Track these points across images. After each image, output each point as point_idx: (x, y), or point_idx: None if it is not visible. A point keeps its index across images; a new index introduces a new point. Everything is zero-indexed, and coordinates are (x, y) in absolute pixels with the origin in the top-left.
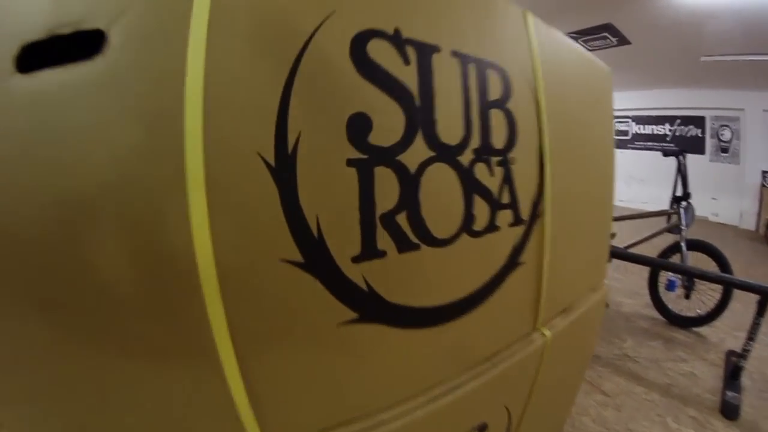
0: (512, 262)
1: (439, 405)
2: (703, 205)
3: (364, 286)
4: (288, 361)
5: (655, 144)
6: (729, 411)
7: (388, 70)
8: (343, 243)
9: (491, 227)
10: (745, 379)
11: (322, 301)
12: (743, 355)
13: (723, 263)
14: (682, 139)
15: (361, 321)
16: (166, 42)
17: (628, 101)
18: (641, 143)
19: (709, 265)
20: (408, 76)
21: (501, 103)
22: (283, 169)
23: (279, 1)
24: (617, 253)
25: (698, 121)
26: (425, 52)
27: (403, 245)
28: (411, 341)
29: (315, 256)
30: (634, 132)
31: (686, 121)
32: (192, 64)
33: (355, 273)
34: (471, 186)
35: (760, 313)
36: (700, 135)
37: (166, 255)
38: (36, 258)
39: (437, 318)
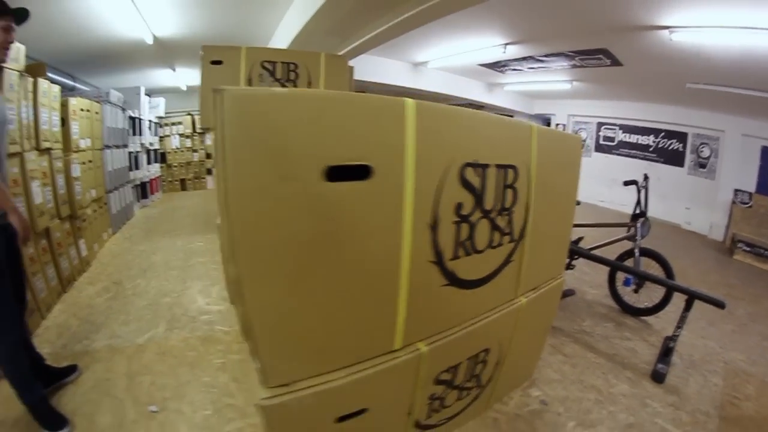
0: (507, 260)
1: (471, 329)
2: (677, 213)
3: (452, 270)
4: (424, 301)
5: (639, 152)
6: (657, 376)
7: (471, 181)
8: (447, 254)
9: (499, 244)
10: (675, 359)
11: (438, 276)
12: (673, 338)
13: (667, 269)
14: (664, 151)
15: (448, 285)
16: (397, 176)
17: (616, 110)
18: (626, 150)
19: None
20: (477, 182)
21: (512, 185)
22: (434, 231)
23: (434, 160)
24: (584, 254)
25: (680, 136)
26: (485, 168)
27: (467, 253)
28: (465, 295)
29: (438, 259)
30: (620, 139)
31: (669, 135)
32: (407, 185)
33: (449, 265)
34: (494, 227)
35: (686, 309)
36: (681, 149)
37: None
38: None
39: (475, 285)
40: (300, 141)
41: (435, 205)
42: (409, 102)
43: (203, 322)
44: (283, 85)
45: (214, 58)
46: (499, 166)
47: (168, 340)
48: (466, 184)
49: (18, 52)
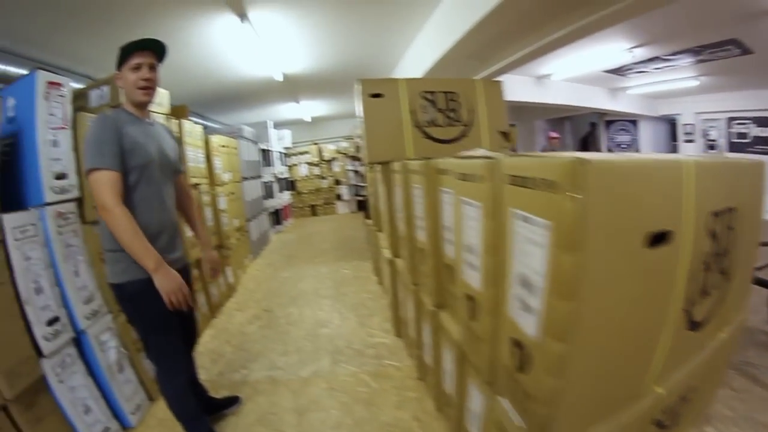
0: (722, 299)
1: (690, 368)
2: None
3: (693, 315)
4: (671, 346)
5: None
6: None
7: (713, 229)
8: (693, 300)
9: (720, 286)
10: None
11: (683, 321)
12: None
13: None
14: None
15: (688, 330)
16: (678, 236)
17: (747, 101)
18: (761, 147)
19: None
20: (716, 229)
21: (733, 226)
22: (689, 281)
23: (698, 214)
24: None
25: None
26: (720, 215)
27: (703, 297)
28: (693, 337)
29: (688, 307)
30: (754, 135)
31: None
32: (684, 243)
33: (693, 311)
34: (720, 270)
35: None
36: None
37: None
38: None
39: (701, 326)
40: (633, 208)
41: (693, 257)
42: (686, 162)
43: (370, 356)
44: (447, 116)
45: (372, 91)
46: (726, 210)
47: (335, 374)
48: (710, 233)
49: (163, 96)
